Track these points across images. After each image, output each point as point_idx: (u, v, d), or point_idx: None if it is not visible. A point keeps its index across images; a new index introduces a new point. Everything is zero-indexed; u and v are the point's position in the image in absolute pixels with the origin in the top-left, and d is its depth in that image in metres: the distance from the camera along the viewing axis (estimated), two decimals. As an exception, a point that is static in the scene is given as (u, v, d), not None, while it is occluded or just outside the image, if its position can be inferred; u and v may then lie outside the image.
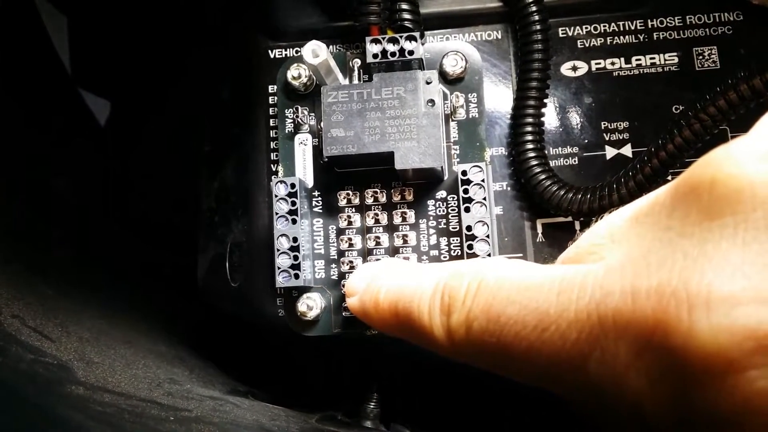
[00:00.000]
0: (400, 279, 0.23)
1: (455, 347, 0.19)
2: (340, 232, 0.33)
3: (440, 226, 0.32)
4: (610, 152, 0.34)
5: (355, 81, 0.34)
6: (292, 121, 0.33)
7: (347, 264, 0.32)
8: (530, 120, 0.33)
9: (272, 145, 0.36)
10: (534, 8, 0.33)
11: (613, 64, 0.35)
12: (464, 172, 0.30)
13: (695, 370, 0.13)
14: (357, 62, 0.34)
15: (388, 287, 0.23)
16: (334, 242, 0.33)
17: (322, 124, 0.31)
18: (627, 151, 0.34)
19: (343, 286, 0.32)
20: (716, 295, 0.12)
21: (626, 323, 0.14)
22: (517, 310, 0.16)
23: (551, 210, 0.32)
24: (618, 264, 0.15)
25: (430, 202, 0.32)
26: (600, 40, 0.35)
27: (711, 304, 0.12)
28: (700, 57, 0.34)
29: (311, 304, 0.32)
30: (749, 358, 0.12)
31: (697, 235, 0.14)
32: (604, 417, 0.19)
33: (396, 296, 0.22)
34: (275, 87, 0.35)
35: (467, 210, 0.30)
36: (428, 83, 0.30)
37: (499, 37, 0.35)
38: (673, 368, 0.13)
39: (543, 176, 0.32)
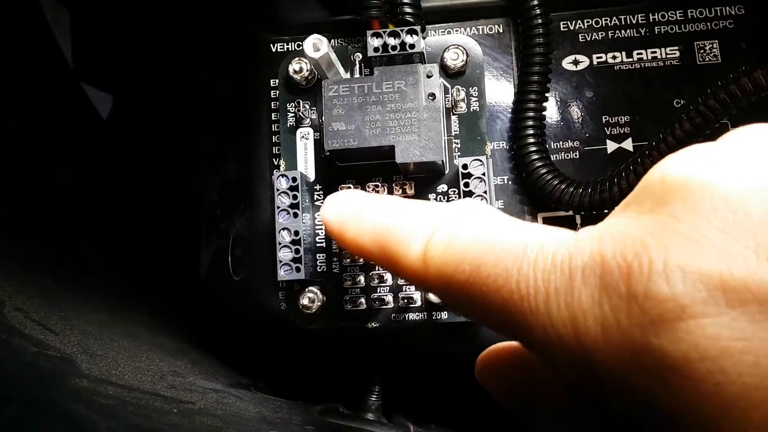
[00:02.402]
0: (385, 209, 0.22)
1: (427, 266, 0.19)
2: (342, 225, 0.33)
3: (441, 220, 0.32)
4: (611, 146, 0.34)
5: (356, 75, 0.34)
6: (293, 114, 0.34)
7: (349, 258, 0.32)
8: (531, 114, 0.33)
9: (274, 139, 0.36)
10: (535, 2, 0.33)
11: (614, 58, 0.35)
12: (465, 166, 0.30)
13: (651, 315, 0.14)
14: (358, 56, 0.34)
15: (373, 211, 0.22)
16: (335, 236, 0.33)
17: (323, 117, 0.31)
18: (628, 145, 0.34)
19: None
20: (672, 251, 0.14)
21: (592, 275, 0.15)
22: (502, 240, 0.18)
23: (552, 204, 0.33)
24: (587, 235, 0.16)
25: (431, 196, 0.32)
26: (601, 34, 0.35)
27: (668, 260, 0.14)
28: (702, 51, 0.34)
29: (313, 298, 0.32)
30: (701, 306, 0.13)
31: (650, 218, 0.15)
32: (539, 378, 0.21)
33: (379, 220, 0.22)
34: (277, 81, 0.35)
35: (468, 204, 0.30)
36: (429, 77, 0.30)
37: (501, 30, 0.35)
38: (630, 314, 0.14)
39: (544, 170, 0.32)
